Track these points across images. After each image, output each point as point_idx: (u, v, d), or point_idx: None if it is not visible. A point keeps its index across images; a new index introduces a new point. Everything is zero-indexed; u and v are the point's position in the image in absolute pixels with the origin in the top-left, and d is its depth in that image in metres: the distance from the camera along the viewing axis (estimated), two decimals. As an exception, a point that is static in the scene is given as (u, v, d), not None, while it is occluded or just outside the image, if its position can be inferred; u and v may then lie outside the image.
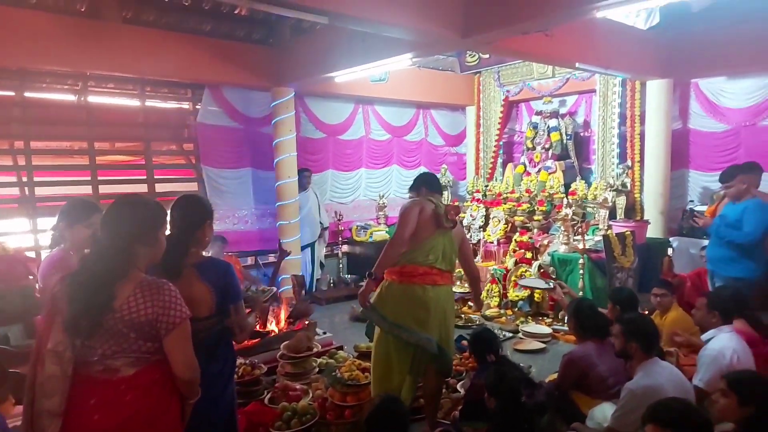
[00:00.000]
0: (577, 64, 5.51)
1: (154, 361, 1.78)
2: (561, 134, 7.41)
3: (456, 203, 3.53)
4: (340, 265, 7.99)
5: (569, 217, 5.89)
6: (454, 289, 6.60)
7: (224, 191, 6.87)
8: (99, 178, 5.94)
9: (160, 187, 6.42)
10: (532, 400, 2.59)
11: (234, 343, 2.37)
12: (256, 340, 4.34)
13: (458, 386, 3.92)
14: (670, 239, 6.31)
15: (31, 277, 4.12)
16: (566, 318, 3.82)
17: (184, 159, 6.91)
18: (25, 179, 5.49)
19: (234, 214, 7.05)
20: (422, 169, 9.11)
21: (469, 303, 6.43)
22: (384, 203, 8.36)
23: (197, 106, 6.64)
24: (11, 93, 5.43)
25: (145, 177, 6.33)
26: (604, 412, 2.86)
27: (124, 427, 1.71)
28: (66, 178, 5.87)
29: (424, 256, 3.12)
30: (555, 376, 3.67)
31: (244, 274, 6.32)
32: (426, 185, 3.42)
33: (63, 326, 1.70)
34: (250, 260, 7.37)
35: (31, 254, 5.30)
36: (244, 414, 3.22)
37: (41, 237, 5.48)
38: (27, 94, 5.49)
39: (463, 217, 7.52)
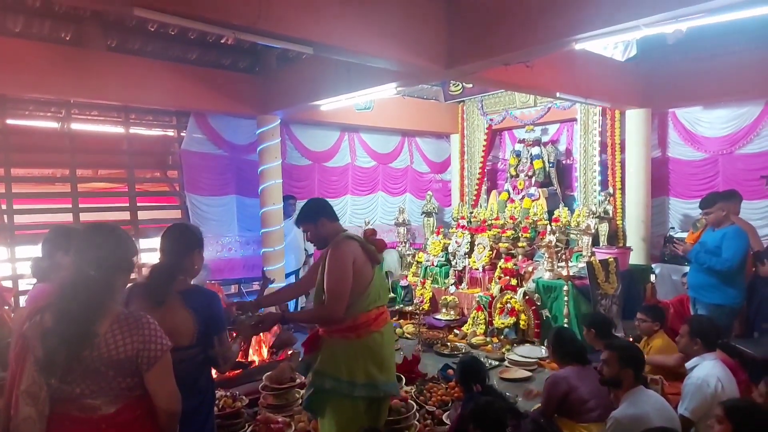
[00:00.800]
0: (557, 94, 5.63)
1: (135, 397, 1.73)
2: (544, 162, 7.52)
3: (371, 230, 3.06)
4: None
5: (553, 243, 5.93)
6: (439, 317, 6.67)
7: (208, 218, 6.83)
8: (81, 205, 5.87)
9: (142, 215, 6.36)
10: (518, 431, 2.56)
11: (215, 374, 2.32)
12: (238, 371, 4.25)
13: (444, 417, 3.86)
14: (653, 266, 6.39)
15: (6, 307, 4.01)
16: (546, 346, 3.81)
17: (167, 186, 6.87)
18: (4, 206, 5.40)
19: (218, 242, 6.99)
20: (408, 196, 9.16)
21: (456, 331, 6.40)
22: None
23: (182, 134, 6.64)
24: (-9, 120, 5.39)
25: (128, 204, 6.27)
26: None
27: None
28: (47, 205, 5.79)
29: (371, 303, 2.76)
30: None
31: (227, 303, 6.22)
32: (325, 214, 2.86)
33: (36, 366, 1.64)
34: (233, 288, 7.29)
35: (8, 284, 5.19)
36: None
37: (19, 266, 5.37)
38: (9, 121, 5.45)
39: (448, 243, 7.54)
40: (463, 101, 8.64)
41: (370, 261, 2.79)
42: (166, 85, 5.63)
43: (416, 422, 3.77)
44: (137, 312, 1.78)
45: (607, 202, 6.46)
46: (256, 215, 6.82)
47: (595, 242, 6.26)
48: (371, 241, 2.86)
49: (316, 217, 2.85)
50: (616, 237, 6.60)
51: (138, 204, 6.33)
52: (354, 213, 8.52)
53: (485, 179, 8.62)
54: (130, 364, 1.68)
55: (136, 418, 1.73)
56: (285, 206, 6.89)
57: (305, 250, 7.41)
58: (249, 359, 4.60)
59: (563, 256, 5.92)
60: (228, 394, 3.69)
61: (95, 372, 1.65)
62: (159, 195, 6.85)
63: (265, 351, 4.77)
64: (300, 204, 7.60)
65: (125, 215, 6.21)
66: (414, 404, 3.87)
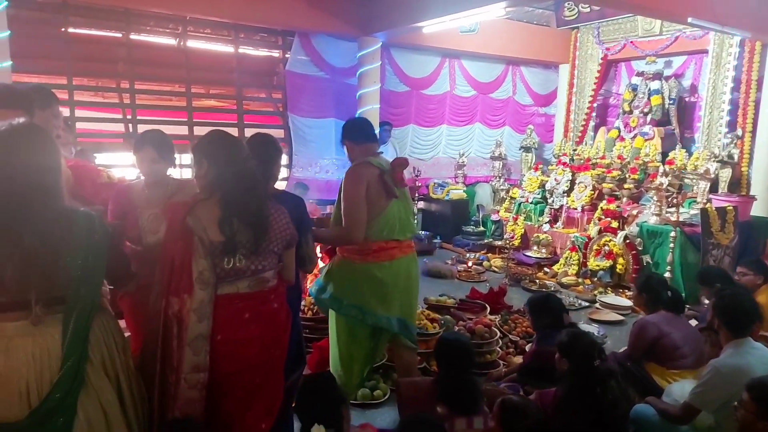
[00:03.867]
0: (689, 20, 4.99)
1: (279, 270, 2.03)
2: (663, 98, 6.85)
3: (400, 161, 2.77)
4: (415, 222, 7.99)
5: (664, 186, 5.49)
6: (529, 254, 6.54)
7: (308, 140, 7.03)
8: (195, 120, 6.26)
9: (249, 133, 6.67)
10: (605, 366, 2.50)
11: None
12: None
13: (527, 347, 3.86)
14: (778, 219, 5.76)
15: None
16: (633, 291, 3.59)
17: (272, 106, 7.12)
18: (129, 116, 5.89)
19: (316, 163, 7.21)
20: (507, 130, 8.83)
21: (545, 269, 6.27)
22: (464, 162, 8.22)
23: (287, 55, 6.76)
24: (118, 34, 5.78)
25: (236, 122, 6.60)
26: (683, 389, 2.71)
27: (274, 331, 1.96)
28: (165, 118, 6.24)
29: (378, 233, 2.66)
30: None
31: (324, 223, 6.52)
32: (351, 137, 2.76)
33: (205, 253, 1.80)
34: (328, 208, 7.56)
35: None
36: (317, 348, 3.37)
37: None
38: (132, 36, 5.82)
39: (546, 180, 7.24)
40: (578, 28, 7.97)
41: (386, 193, 2.66)
42: (274, 3, 5.72)
43: (498, 349, 3.82)
44: (275, 202, 2.02)
45: (733, 145, 5.83)
46: (353, 139, 6.91)
47: (713, 189, 5.72)
48: (392, 175, 2.68)
49: (342, 140, 2.82)
50: (738, 184, 5.97)
51: (245, 122, 6.64)
52: (449, 144, 8.37)
53: (594, 115, 8.04)
54: (286, 244, 1.99)
55: (284, 289, 2.05)
56: (381, 132, 6.91)
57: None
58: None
59: (674, 201, 5.49)
60: (320, 301, 3.92)
61: (266, 250, 1.91)
62: (264, 114, 7.13)
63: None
64: (395, 131, 7.65)
65: (233, 132, 6.54)
66: (498, 332, 3.91)
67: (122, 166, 5.91)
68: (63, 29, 5.39)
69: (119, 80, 5.89)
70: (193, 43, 6.22)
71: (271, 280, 1.96)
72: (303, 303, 3.77)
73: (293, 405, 2.26)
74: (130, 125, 5.90)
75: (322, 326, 3.75)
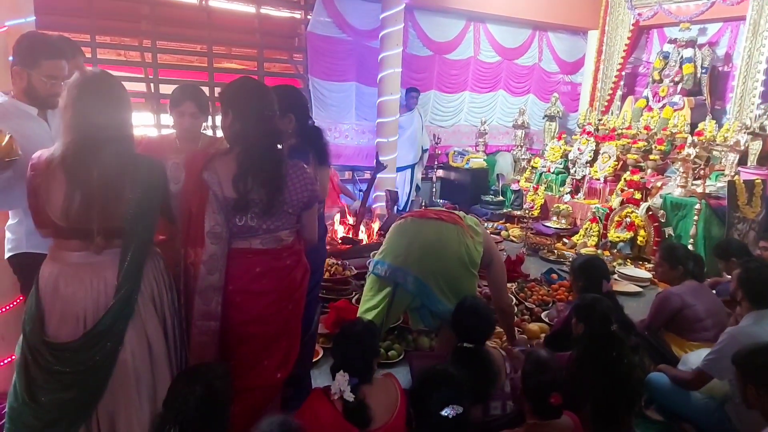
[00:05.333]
0: (730, -18, 4.78)
1: (298, 229, 2.02)
2: (695, 66, 6.62)
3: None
4: (434, 190, 7.96)
5: (691, 157, 5.35)
6: (549, 224, 6.47)
7: (328, 104, 6.96)
8: (216, 82, 6.24)
9: (268, 95, 6.64)
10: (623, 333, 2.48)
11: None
12: (348, 246, 4.52)
13: (543, 315, 3.87)
14: (809, 194, 5.58)
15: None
16: (655, 262, 3.47)
17: (292, 69, 7.05)
18: (151, 76, 5.89)
19: (336, 127, 7.16)
20: (531, 98, 8.64)
21: (564, 240, 6.21)
22: (485, 130, 8.09)
23: (308, 16, 6.65)
24: (142, -8, 5.74)
25: (256, 83, 6.54)
26: (699, 357, 2.69)
27: (287, 286, 1.96)
28: (186, 79, 6.22)
29: None
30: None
31: (340, 187, 6.53)
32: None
33: (219, 208, 1.82)
34: (347, 174, 7.56)
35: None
36: (333, 308, 3.42)
37: (164, 132, 5.94)
38: (155, -6, 5.78)
39: (569, 150, 7.11)
40: (609, -8, 7.67)
41: None
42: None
43: (514, 315, 3.82)
44: (295, 160, 1.98)
45: (765, 116, 5.61)
46: (373, 104, 6.84)
47: (743, 161, 5.55)
48: None
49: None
50: (769, 158, 5.79)
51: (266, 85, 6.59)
52: (470, 111, 8.23)
53: (621, 83, 7.81)
54: (303, 204, 1.95)
55: (302, 247, 2.06)
56: (407, 99, 6.82)
57: (421, 146, 7.39)
58: (359, 237, 4.85)
59: (701, 173, 5.35)
60: (339, 263, 3.96)
61: (281, 211, 1.89)
62: (285, 76, 7.05)
63: (374, 233, 4.98)
64: (423, 96, 7.52)
65: (253, 94, 6.52)
66: (514, 298, 3.92)
67: (143, 125, 5.96)
68: (86, -15, 5.37)
69: (141, 39, 5.87)
70: (215, 3, 6.15)
71: (285, 238, 1.95)
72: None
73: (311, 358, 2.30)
74: (152, 85, 5.91)
75: (339, 288, 3.82)
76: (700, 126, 6.08)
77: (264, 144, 1.84)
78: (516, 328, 3.67)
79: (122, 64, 6.08)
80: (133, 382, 1.69)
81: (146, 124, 5.97)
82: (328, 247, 3.63)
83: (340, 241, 4.73)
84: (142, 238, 1.73)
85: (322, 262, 2.80)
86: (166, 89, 6.00)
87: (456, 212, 2.93)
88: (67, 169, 1.63)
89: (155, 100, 5.90)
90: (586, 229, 6.13)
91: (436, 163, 7.81)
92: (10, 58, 2.28)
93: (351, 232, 4.94)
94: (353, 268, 4.03)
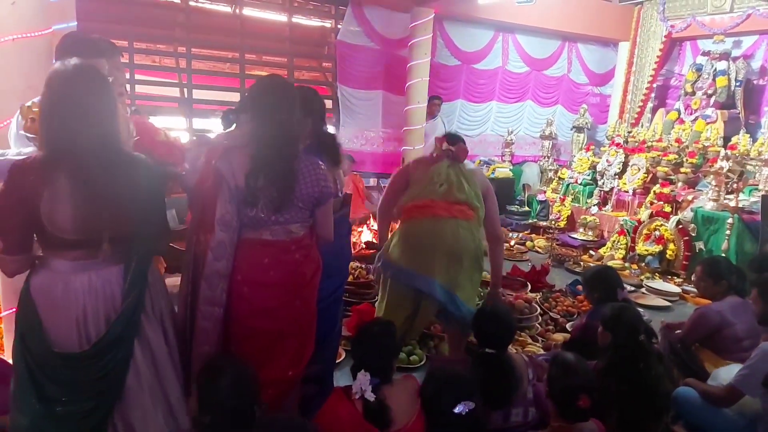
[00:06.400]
0: (766, -7, 4.69)
1: (310, 225, 2.02)
2: (729, 79, 6.49)
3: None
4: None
5: (724, 171, 5.23)
6: (575, 236, 6.39)
7: (356, 111, 7.03)
8: (246, 87, 6.38)
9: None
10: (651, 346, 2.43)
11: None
12: (373, 250, 4.54)
13: (567, 325, 3.82)
14: None
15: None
16: (696, 277, 3.38)
17: (321, 76, 7.15)
18: (185, 82, 6.05)
19: (362, 135, 7.22)
20: (559, 108, 8.58)
21: (591, 252, 6.12)
22: (512, 140, 8.06)
23: (338, 25, 6.75)
24: (178, 0, 5.91)
25: (286, 90, 6.65)
26: (730, 372, 2.62)
27: (294, 282, 1.95)
28: (218, 85, 6.37)
29: (419, 193, 2.72)
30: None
31: (365, 194, 6.57)
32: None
33: (230, 197, 1.85)
34: (372, 181, 7.60)
35: (185, 151, 5.93)
36: (356, 311, 3.42)
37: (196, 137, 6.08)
38: (191, 3, 5.95)
39: (597, 162, 7.02)
40: (641, 3, 7.61)
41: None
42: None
43: (538, 325, 3.79)
44: (311, 156, 1.99)
45: (803, 130, 5.47)
46: (400, 112, 6.88)
47: (778, 176, 5.41)
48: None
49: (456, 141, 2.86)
50: (806, 173, 5.62)
51: (295, 92, 6.69)
52: (497, 121, 8.21)
53: (652, 95, 7.70)
54: (314, 199, 1.95)
55: (313, 243, 2.04)
56: (429, 106, 6.84)
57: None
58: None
59: (734, 187, 5.23)
60: (363, 266, 3.98)
61: (293, 205, 1.90)
62: (314, 84, 7.15)
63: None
64: (446, 106, 7.54)
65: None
66: (538, 308, 3.88)
67: (176, 129, 6.11)
68: (125, -6, 5.56)
69: (176, 45, 6.04)
70: (248, 11, 6.30)
71: (295, 231, 1.95)
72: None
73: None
74: (185, 90, 6.06)
75: (362, 291, 3.84)
76: (734, 140, 5.94)
77: (276, 145, 1.87)
78: (540, 338, 3.66)
79: (157, 70, 6.25)
80: (144, 386, 1.68)
81: (179, 128, 6.12)
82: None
83: (364, 246, 4.76)
84: (148, 243, 1.70)
85: (347, 264, 2.80)
86: (199, 95, 6.17)
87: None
88: (71, 175, 1.52)
89: (188, 105, 6.05)
90: (614, 241, 6.03)
91: (461, 172, 7.77)
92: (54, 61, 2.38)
93: (376, 237, 4.97)
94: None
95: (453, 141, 2.82)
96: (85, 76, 1.58)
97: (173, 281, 3.25)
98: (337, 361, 3.07)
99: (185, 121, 6.05)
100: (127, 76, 5.52)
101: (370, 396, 1.84)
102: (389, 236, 2.92)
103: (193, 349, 1.92)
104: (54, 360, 1.56)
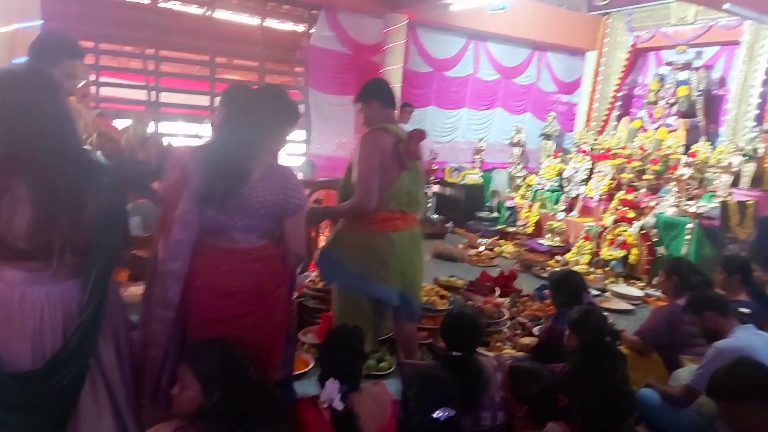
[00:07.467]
0: (725, 5, 4.86)
1: (276, 237, 1.94)
2: (690, 89, 6.72)
3: (417, 133, 2.66)
4: (428, 205, 7.99)
5: (685, 177, 5.42)
6: (542, 242, 6.51)
7: (328, 117, 7.02)
8: (216, 91, 6.29)
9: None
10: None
11: None
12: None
13: (534, 330, 3.88)
14: (800, 218, 5.64)
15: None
16: (660, 278, 3.50)
17: (293, 81, 7.12)
18: (152, 85, 5.94)
19: (334, 141, 7.21)
20: (528, 116, 8.73)
21: (557, 257, 6.23)
22: (482, 147, 8.17)
23: (311, 30, 6.74)
24: (147, 1, 5.81)
25: (256, 94, 6.60)
26: (690, 373, 2.71)
27: (252, 292, 1.89)
28: (188, 88, 6.27)
29: (386, 204, 2.63)
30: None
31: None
32: (379, 98, 2.69)
33: (192, 196, 1.81)
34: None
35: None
36: (325, 318, 3.42)
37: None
38: (160, 4, 5.85)
39: (564, 169, 7.17)
40: (608, 14, 7.79)
41: (399, 165, 2.61)
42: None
43: (506, 330, 3.84)
44: (287, 166, 1.96)
45: (759, 139, 5.71)
46: (372, 118, 6.90)
47: (735, 183, 5.62)
48: (406, 147, 2.59)
49: (370, 98, 2.69)
50: (761, 180, 5.85)
51: (266, 95, 6.64)
52: (468, 128, 8.31)
53: (618, 104, 7.91)
54: (278, 208, 1.87)
55: (276, 255, 1.95)
56: (402, 113, 6.86)
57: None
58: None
59: (694, 193, 5.42)
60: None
61: (250, 209, 1.83)
62: (286, 88, 7.13)
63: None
64: (417, 112, 7.59)
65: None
66: (506, 313, 3.93)
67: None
68: (92, -7, 5.44)
69: (144, 47, 5.93)
70: (219, 14, 6.24)
71: (256, 241, 1.89)
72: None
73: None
74: (153, 93, 5.96)
75: (330, 298, 3.81)
76: (694, 147, 6.16)
77: (232, 141, 1.85)
78: (509, 342, 3.71)
79: (124, 72, 6.12)
80: (97, 402, 1.64)
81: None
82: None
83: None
84: (109, 255, 1.63)
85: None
86: (167, 98, 6.06)
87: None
88: (30, 182, 1.46)
89: (156, 108, 5.94)
90: (579, 247, 6.16)
91: (432, 178, 7.85)
92: (19, 59, 2.32)
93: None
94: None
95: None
96: (38, 80, 1.55)
97: (137, 290, 3.18)
98: (304, 370, 3.06)
99: (153, 125, 5.93)
100: (93, 78, 5.40)
101: (339, 405, 1.83)
102: (336, 234, 2.81)
103: (144, 351, 1.88)
104: (5, 380, 1.49)
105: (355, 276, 2.67)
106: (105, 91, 5.75)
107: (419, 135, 2.69)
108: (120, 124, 5.27)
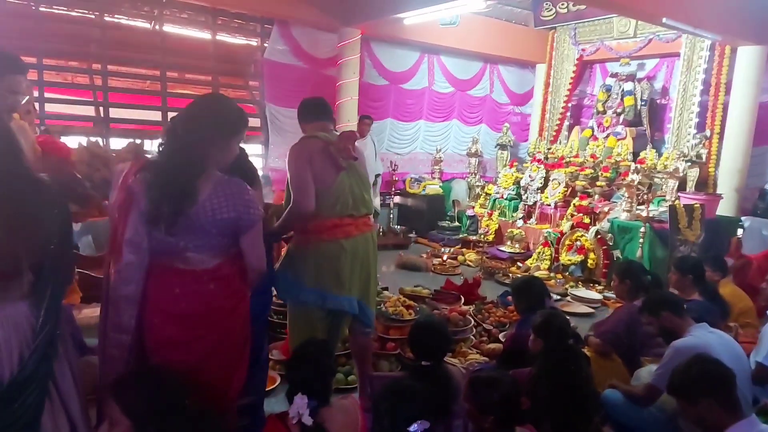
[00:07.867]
0: (663, 20, 5.12)
1: (232, 254, 1.85)
2: (635, 99, 7.02)
3: (347, 134, 2.67)
4: (391, 216, 8.00)
5: (635, 183, 5.63)
6: (503, 249, 6.62)
7: (285, 129, 6.93)
8: (169, 106, 6.13)
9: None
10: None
11: None
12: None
13: (500, 336, 3.91)
14: (742, 218, 5.94)
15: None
16: (614, 282, 3.61)
17: (248, 95, 7.02)
18: (100, 100, 5.73)
19: (292, 154, 7.13)
20: (483, 127, 8.90)
21: (519, 264, 6.34)
22: (440, 158, 8.27)
23: (265, 44, 6.68)
24: (92, 15, 5.62)
25: (211, 109, 6.47)
26: (651, 372, 2.78)
27: (208, 314, 1.81)
28: (138, 104, 6.09)
29: (330, 209, 2.57)
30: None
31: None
32: (302, 115, 2.74)
33: (140, 218, 1.74)
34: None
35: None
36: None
37: (113, 157, 5.75)
38: (106, 18, 5.67)
39: (520, 177, 7.33)
40: (555, 28, 8.09)
41: (334, 165, 2.56)
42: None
43: (472, 337, 3.85)
44: (237, 179, 1.86)
45: (701, 145, 5.99)
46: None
47: (682, 187, 5.88)
48: (337, 146, 2.56)
49: (300, 118, 2.76)
50: (705, 184, 6.15)
51: (220, 110, 6.52)
52: (426, 139, 8.40)
53: (568, 114, 8.18)
54: (231, 225, 1.79)
55: (233, 273, 1.86)
56: (360, 125, 6.87)
57: (375, 173, 7.43)
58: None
59: (644, 198, 5.63)
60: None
61: (200, 228, 1.75)
62: (240, 102, 6.95)
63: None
64: (376, 124, 7.61)
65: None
66: (472, 320, 3.94)
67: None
68: (34, 7, 5.22)
69: (91, 62, 5.73)
70: (169, 28, 6.09)
71: (209, 261, 1.81)
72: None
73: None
74: (101, 108, 5.75)
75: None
76: (642, 154, 6.42)
77: (177, 159, 1.76)
78: (475, 349, 3.72)
79: (70, 87, 5.89)
80: (56, 425, 1.58)
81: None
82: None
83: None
84: (62, 273, 1.60)
85: (270, 285, 2.65)
86: (117, 114, 5.86)
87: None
88: None
89: (104, 125, 5.74)
90: (539, 253, 6.29)
91: (393, 189, 7.88)
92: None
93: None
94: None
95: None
96: None
97: (90, 312, 3.02)
98: (271, 388, 2.97)
99: (102, 142, 5.71)
100: (36, 94, 5.17)
101: (308, 420, 1.77)
102: (288, 251, 2.73)
103: (100, 378, 1.79)
104: None
105: (312, 290, 2.60)
106: (50, 108, 5.51)
107: (350, 135, 2.67)
108: (68, 141, 5.10)
